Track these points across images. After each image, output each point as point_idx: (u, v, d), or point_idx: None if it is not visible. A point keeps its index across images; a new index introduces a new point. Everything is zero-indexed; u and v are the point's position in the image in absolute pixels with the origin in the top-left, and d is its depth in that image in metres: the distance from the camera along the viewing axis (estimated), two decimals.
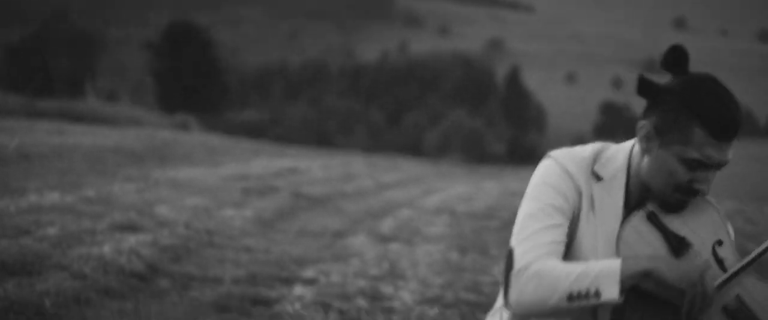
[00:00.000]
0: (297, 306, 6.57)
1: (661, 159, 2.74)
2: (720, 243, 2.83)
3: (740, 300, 2.73)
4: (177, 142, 22.21)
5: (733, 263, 2.82)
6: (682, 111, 2.69)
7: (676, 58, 2.78)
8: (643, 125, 2.78)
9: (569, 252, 2.80)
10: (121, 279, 6.66)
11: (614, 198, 2.81)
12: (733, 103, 2.68)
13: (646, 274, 2.60)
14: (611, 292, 2.60)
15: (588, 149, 2.87)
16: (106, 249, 7.21)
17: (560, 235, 2.78)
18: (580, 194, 2.81)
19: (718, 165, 2.74)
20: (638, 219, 2.77)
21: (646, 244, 2.75)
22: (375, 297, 7.08)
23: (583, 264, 2.67)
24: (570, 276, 2.62)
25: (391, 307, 6.82)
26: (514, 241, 2.77)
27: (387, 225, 11.50)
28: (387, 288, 7.40)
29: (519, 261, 2.71)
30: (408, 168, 25.48)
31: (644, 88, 2.79)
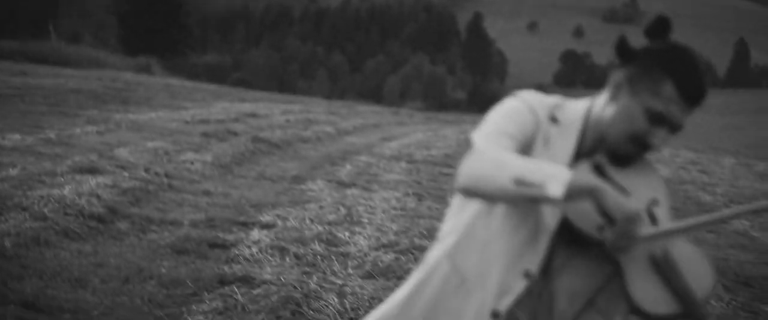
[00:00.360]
0: (254, 249, 6.69)
1: (627, 106, 2.87)
2: (656, 202, 2.97)
3: (667, 254, 2.88)
4: (139, 84, 22.19)
5: (664, 223, 2.95)
6: (658, 67, 2.84)
7: (661, 28, 2.93)
8: (617, 74, 2.92)
9: None
10: (81, 221, 6.74)
11: (567, 141, 2.94)
12: (704, 76, 2.84)
13: (591, 191, 2.71)
14: (555, 189, 2.71)
15: (553, 96, 3.01)
16: (67, 191, 7.29)
17: (514, 147, 2.90)
18: (538, 128, 2.94)
19: (675, 127, 2.87)
20: (585, 167, 2.92)
21: None
22: (331, 242, 7.20)
23: (540, 160, 2.80)
24: (524, 163, 2.74)
25: (346, 252, 6.94)
26: (477, 134, 2.89)
27: (345, 171, 11.61)
28: (343, 234, 7.51)
29: (479, 145, 2.83)
30: (368, 114, 25.51)
31: (623, 48, 2.93)
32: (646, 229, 2.82)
